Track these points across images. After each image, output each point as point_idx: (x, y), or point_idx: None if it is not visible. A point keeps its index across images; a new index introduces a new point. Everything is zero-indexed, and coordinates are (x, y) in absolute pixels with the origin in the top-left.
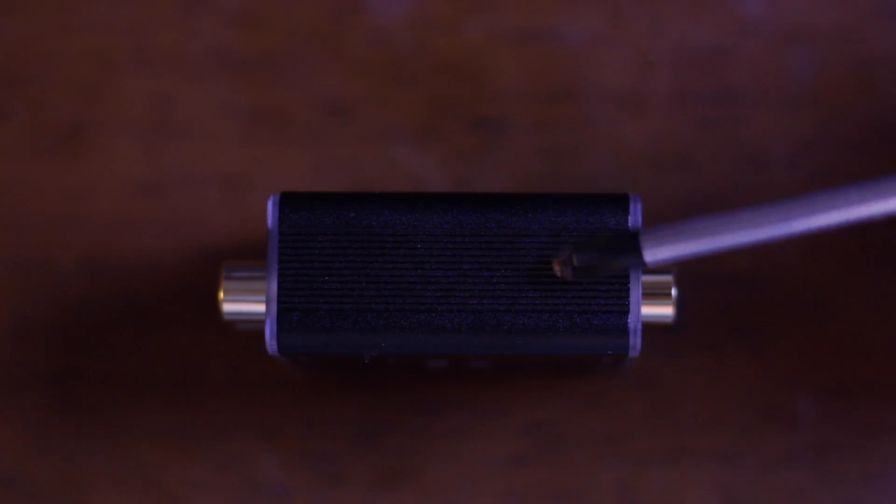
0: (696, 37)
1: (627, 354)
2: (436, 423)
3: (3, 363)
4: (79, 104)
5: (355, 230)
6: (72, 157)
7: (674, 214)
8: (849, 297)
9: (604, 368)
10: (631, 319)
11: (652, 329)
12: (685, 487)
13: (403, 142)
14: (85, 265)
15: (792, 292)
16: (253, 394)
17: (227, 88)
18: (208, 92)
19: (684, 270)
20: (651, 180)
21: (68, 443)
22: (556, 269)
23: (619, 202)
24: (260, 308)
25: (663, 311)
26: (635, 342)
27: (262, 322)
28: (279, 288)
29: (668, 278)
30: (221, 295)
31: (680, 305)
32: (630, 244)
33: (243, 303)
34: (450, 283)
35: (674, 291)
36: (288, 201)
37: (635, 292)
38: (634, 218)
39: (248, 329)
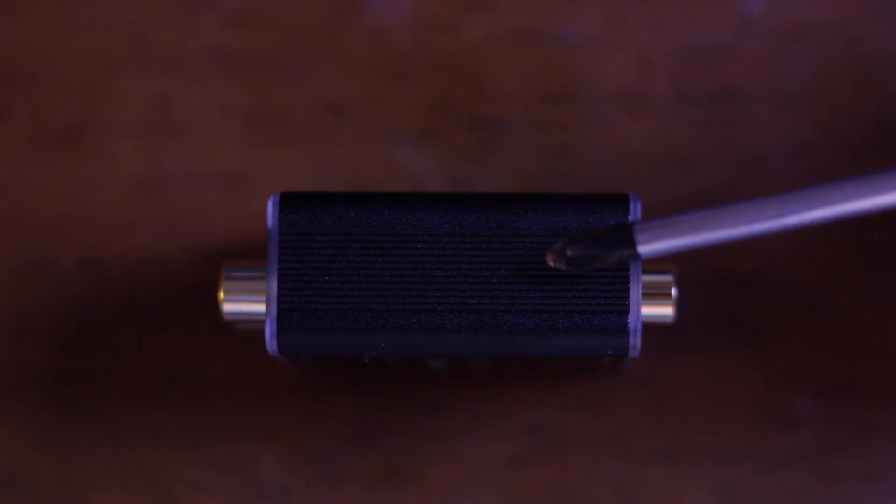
0: (696, 37)
1: (627, 354)
2: (436, 423)
3: (3, 363)
4: (79, 104)
5: (355, 230)
6: (72, 157)
7: (673, 214)
8: (849, 297)
9: (604, 368)
10: (631, 319)
11: (652, 329)
12: (685, 487)
13: (403, 142)
14: (85, 265)
15: (792, 292)
16: (253, 394)
17: (227, 88)
18: (208, 92)
19: (684, 270)
20: (651, 180)
21: (68, 443)
22: (550, 260)
23: (619, 202)
24: (260, 308)
25: (663, 311)
26: (635, 342)
27: (262, 322)
28: (279, 288)
29: (668, 278)
30: (221, 295)
31: (680, 305)
32: (624, 236)
33: (243, 303)
34: (450, 283)
35: (674, 291)
36: (288, 201)
37: (635, 292)
38: (634, 218)
39: (248, 329)
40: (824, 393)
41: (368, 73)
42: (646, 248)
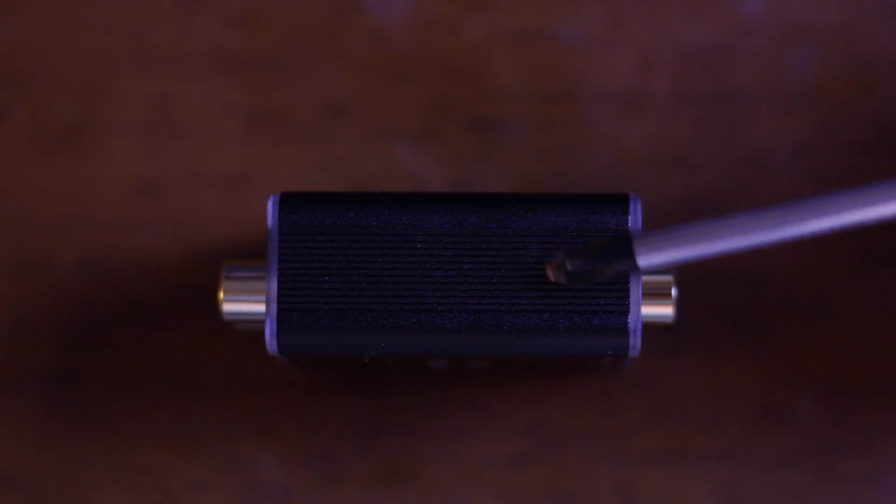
0: (696, 37)
1: (627, 354)
2: (436, 423)
3: (3, 363)
4: (79, 104)
5: (355, 230)
6: (72, 157)
7: (673, 214)
8: (849, 297)
9: (604, 368)
10: (631, 319)
11: (652, 329)
12: (685, 487)
13: (403, 142)
14: (85, 265)
15: (792, 292)
16: (253, 394)
17: (227, 88)
18: (208, 92)
19: (684, 270)
20: (651, 180)
21: (68, 443)
22: (550, 273)
23: (619, 202)
24: (260, 308)
25: (663, 311)
26: (635, 342)
27: (262, 322)
28: (279, 288)
29: (668, 278)
30: (221, 295)
31: (680, 305)
32: (624, 249)
33: (243, 303)
34: (450, 283)
35: (674, 291)
36: (288, 201)
37: (635, 292)
38: (634, 218)
39: (248, 329)
40: (824, 393)
41: (368, 73)
42: (645, 260)
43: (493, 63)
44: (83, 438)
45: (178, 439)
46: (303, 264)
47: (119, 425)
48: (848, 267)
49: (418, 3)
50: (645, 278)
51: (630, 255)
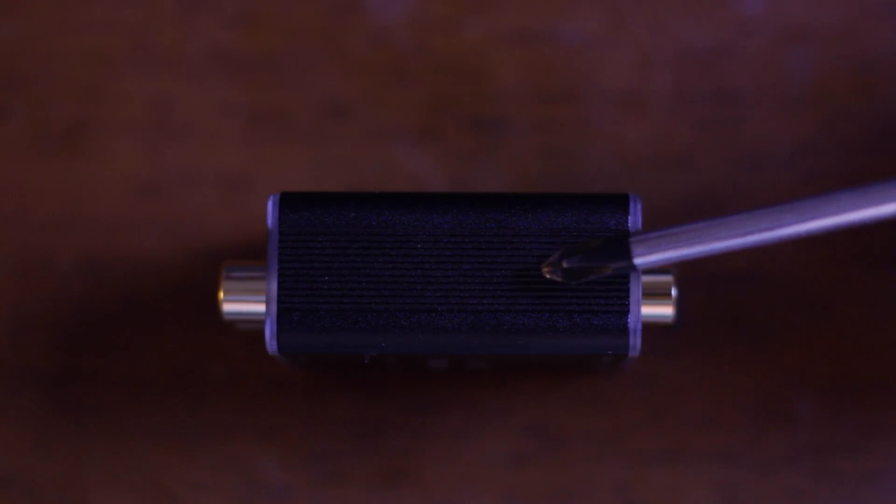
0: (696, 37)
1: (627, 354)
2: (436, 423)
3: (3, 363)
4: (79, 104)
5: (355, 230)
6: (72, 157)
7: (673, 214)
8: (849, 297)
9: (604, 368)
10: (631, 319)
11: (652, 329)
12: (685, 487)
13: (403, 142)
14: (85, 265)
15: (792, 292)
16: (253, 394)
17: (227, 88)
18: (208, 92)
19: (684, 270)
20: (651, 180)
21: (68, 443)
22: (547, 272)
23: (619, 202)
24: (260, 308)
25: (663, 311)
26: (635, 342)
27: (262, 322)
28: (279, 288)
29: (668, 278)
30: (221, 295)
31: (680, 305)
32: (620, 249)
33: (243, 303)
34: (450, 283)
35: (674, 291)
36: (288, 201)
37: (635, 292)
38: (634, 218)
39: (248, 329)
40: (824, 393)
41: (368, 73)
42: (642, 259)
43: (493, 63)
44: (83, 438)
45: (178, 439)
46: (303, 264)
47: (119, 425)
48: (848, 267)
49: (418, 3)
50: (645, 278)
51: (626, 254)
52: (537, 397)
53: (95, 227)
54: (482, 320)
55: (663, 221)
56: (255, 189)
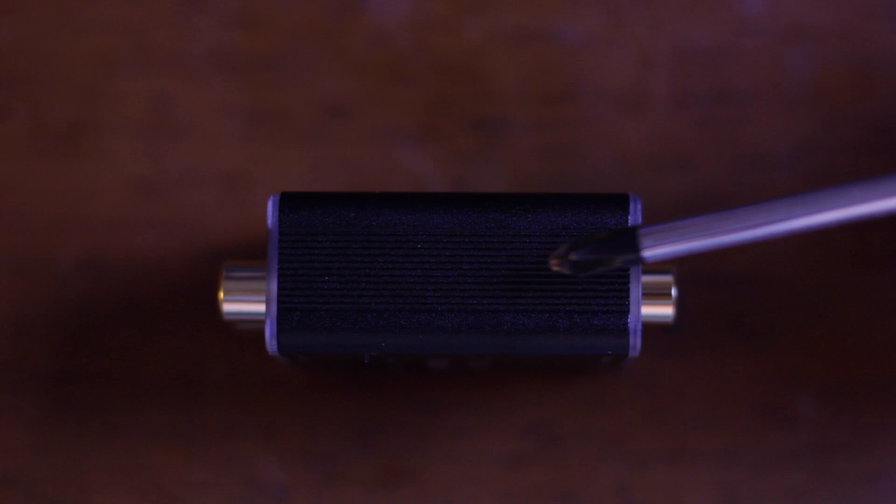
0: (696, 37)
1: (627, 354)
2: (436, 423)
3: (3, 363)
4: (79, 104)
5: (355, 230)
6: (72, 157)
7: (674, 214)
8: (849, 297)
9: (604, 368)
10: (631, 319)
11: (652, 329)
12: (685, 487)
13: (403, 142)
14: (85, 265)
15: (792, 292)
16: (253, 394)
17: (227, 88)
18: (208, 92)
19: (684, 270)
20: (651, 180)
21: (68, 443)
22: (554, 264)
23: (619, 202)
24: (260, 308)
25: (663, 311)
26: (635, 342)
27: (262, 322)
28: (279, 288)
29: (668, 278)
30: (221, 295)
31: (680, 305)
32: (628, 241)
33: (243, 303)
34: (450, 283)
35: (674, 291)
36: (288, 201)
37: (635, 292)
38: (634, 218)
39: (248, 329)
40: (824, 393)
41: (368, 73)
42: (650, 252)
43: (493, 63)
44: (83, 438)
45: (178, 439)
46: (303, 264)
47: (119, 425)
48: (848, 267)
49: (418, 3)
50: (645, 278)
51: (635, 247)
52: (537, 397)
53: (95, 227)
54: (482, 320)
55: (663, 221)
56: (255, 189)
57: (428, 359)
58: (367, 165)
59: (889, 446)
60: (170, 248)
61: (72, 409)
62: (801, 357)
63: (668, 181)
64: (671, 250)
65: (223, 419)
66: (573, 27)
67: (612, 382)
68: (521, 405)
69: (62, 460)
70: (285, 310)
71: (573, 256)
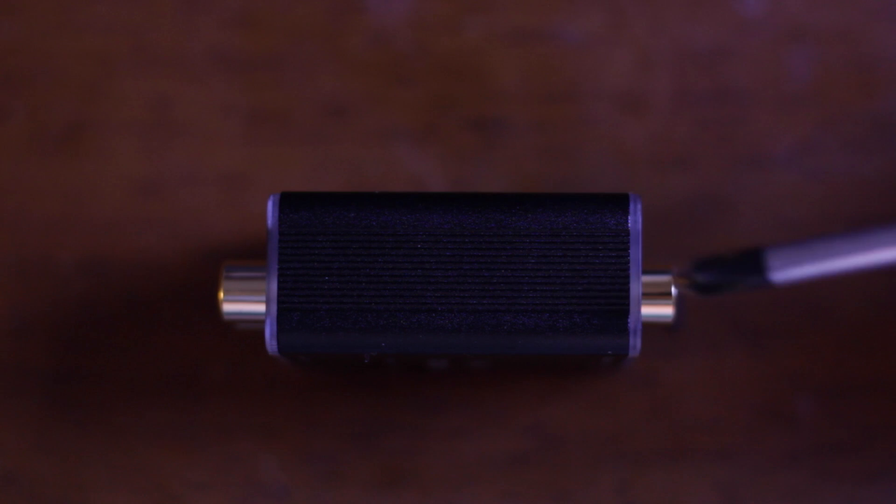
0: (696, 37)
1: (627, 354)
2: (436, 423)
3: (3, 363)
4: (79, 104)
5: (355, 230)
6: (72, 157)
7: (674, 214)
8: (849, 297)
9: (604, 368)
10: (631, 319)
11: (652, 329)
12: (685, 487)
13: (403, 142)
14: (85, 265)
15: (792, 292)
16: (253, 394)
17: (227, 88)
18: (208, 92)
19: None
20: (651, 180)
21: (68, 443)
22: (679, 285)
23: (619, 202)
24: (260, 308)
25: (663, 311)
26: (635, 342)
27: (262, 322)
28: (279, 288)
29: (668, 278)
30: (221, 295)
31: (680, 305)
32: (756, 263)
33: (243, 303)
34: (450, 283)
35: (674, 291)
36: (288, 201)
37: (635, 292)
38: (634, 218)
39: (248, 329)
40: (824, 393)
41: (368, 73)
42: (778, 274)
43: (493, 63)
44: (83, 438)
45: (178, 439)
46: (303, 264)
47: (119, 425)
48: None
49: (418, 3)
50: (645, 278)
51: (762, 270)
52: (537, 397)
53: (95, 227)
54: (482, 320)
55: (663, 221)
56: (255, 189)
57: (428, 359)
58: (367, 165)
59: (889, 446)
60: (170, 248)
61: (72, 409)
62: (801, 357)
63: (668, 181)
64: (800, 273)
65: (223, 419)
66: (573, 27)
67: (612, 382)
68: (521, 405)
69: (62, 460)
70: (285, 310)
71: (700, 279)
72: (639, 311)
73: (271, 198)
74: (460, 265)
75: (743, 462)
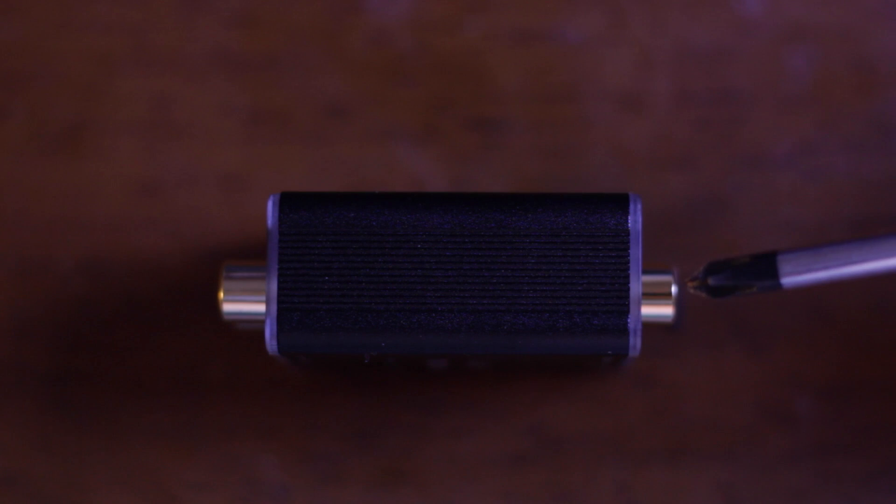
0: (696, 37)
1: (627, 354)
2: (436, 423)
3: (3, 363)
4: (79, 104)
5: (355, 230)
6: (72, 157)
7: (674, 214)
8: (849, 297)
9: (604, 368)
10: (631, 319)
11: (652, 329)
12: (685, 487)
13: (403, 142)
14: (85, 265)
15: (792, 292)
16: (253, 394)
17: (227, 88)
18: (208, 92)
19: (684, 270)
20: (651, 180)
21: (68, 443)
22: (691, 287)
23: (619, 202)
24: (260, 308)
25: (663, 310)
26: (635, 342)
27: (262, 322)
28: (279, 288)
29: (668, 278)
30: (221, 295)
31: (680, 305)
32: (767, 267)
33: (243, 303)
34: (450, 283)
35: (674, 291)
36: (288, 201)
37: (635, 292)
38: (634, 218)
39: (248, 329)
40: (824, 393)
41: (368, 73)
42: (789, 279)
43: (493, 63)
44: (83, 438)
45: (178, 439)
46: (303, 264)
47: (119, 425)
48: None
49: (418, 3)
50: (645, 278)
51: (774, 274)
52: (537, 397)
53: (95, 227)
54: (482, 320)
55: (663, 221)
56: (255, 189)
57: (428, 359)
58: (367, 165)
59: (889, 446)
60: (170, 248)
61: (72, 409)
62: (801, 357)
63: (668, 181)
64: (812, 277)
65: (223, 419)
66: (573, 27)
67: (612, 382)
68: (521, 405)
69: (62, 460)
70: (285, 310)
71: (711, 282)
72: (639, 310)
73: (271, 198)
74: (460, 265)
75: (743, 462)
